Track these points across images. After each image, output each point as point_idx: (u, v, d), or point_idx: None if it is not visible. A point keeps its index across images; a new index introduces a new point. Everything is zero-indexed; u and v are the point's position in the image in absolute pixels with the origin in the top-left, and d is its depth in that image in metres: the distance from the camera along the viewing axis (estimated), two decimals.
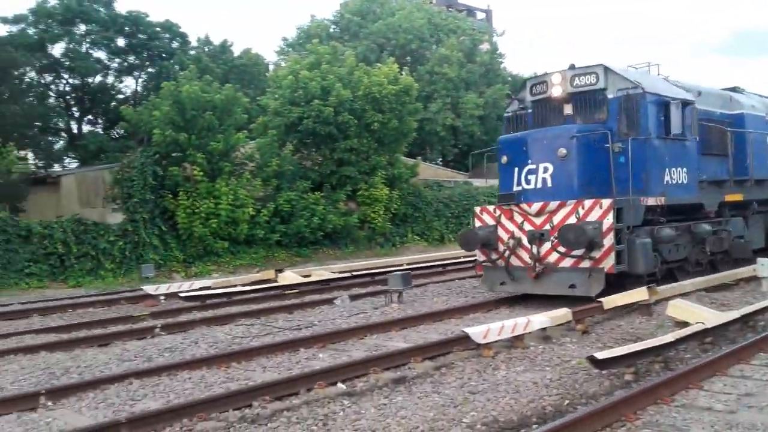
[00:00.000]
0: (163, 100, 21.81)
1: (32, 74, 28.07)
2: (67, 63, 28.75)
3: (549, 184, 11.91)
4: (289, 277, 16.63)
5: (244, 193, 21.96)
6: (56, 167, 27.80)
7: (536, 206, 11.89)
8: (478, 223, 12.90)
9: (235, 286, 15.96)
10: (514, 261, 12.27)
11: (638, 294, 10.74)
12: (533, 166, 12.11)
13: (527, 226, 12.05)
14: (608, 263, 11.13)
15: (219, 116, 22.13)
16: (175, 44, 31.82)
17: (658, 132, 12.31)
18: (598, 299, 10.65)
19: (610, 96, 12.31)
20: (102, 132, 30.32)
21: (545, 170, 11.96)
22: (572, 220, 11.44)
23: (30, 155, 26.58)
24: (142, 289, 15.75)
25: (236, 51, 34.52)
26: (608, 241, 11.15)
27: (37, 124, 26.67)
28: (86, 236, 19.74)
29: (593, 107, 12.54)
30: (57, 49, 28.97)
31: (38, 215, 20.71)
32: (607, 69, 12.35)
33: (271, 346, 9.38)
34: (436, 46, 37.99)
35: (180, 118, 21.46)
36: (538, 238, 11.79)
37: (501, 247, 12.39)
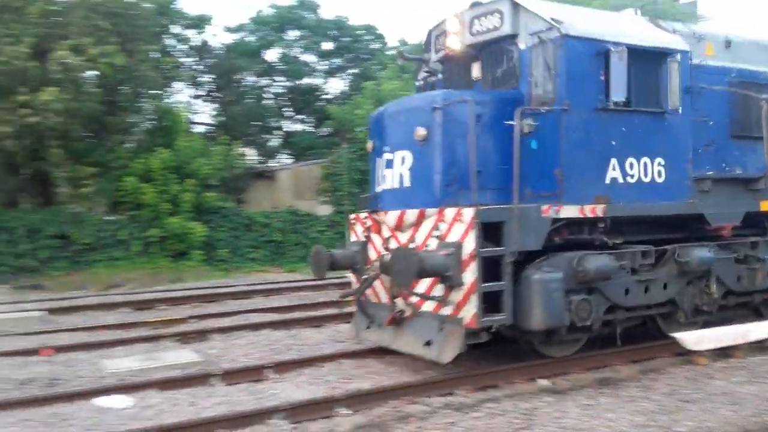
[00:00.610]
0: (365, 99, 23.01)
1: (251, 78, 31.08)
2: (280, 66, 31.40)
3: (406, 182, 7.92)
4: None
5: None
6: (272, 162, 30.56)
7: (393, 216, 8.04)
8: (353, 237, 9.17)
9: None
10: (382, 295, 8.36)
11: None
12: (390, 156, 8.14)
13: (393, 244, 8.09)
14: (469, 312, 7.03)
15: None
16: (374, 45, 33.38)
17: (593, 100, 7.66)
18: None
19: (521, 46, 8.02)
20: (313, 129, 32.72)
21: (403, 161, 7.95)
22: (432, 241, 7.51)
23: (250, 152, 29.44)
24: (346, 277, 16.78)
25: None
26: (470, 275, 7.02)
27: (256, 123, 29.50)
28: (299, 226, 21.54)
29: (503, 65, 8.31)
30: (271, 55, 31.79)
31: (256, 206, 22.98)
32: (515, 5, 8.02)
33: None
34: None
35: None
36: None
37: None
